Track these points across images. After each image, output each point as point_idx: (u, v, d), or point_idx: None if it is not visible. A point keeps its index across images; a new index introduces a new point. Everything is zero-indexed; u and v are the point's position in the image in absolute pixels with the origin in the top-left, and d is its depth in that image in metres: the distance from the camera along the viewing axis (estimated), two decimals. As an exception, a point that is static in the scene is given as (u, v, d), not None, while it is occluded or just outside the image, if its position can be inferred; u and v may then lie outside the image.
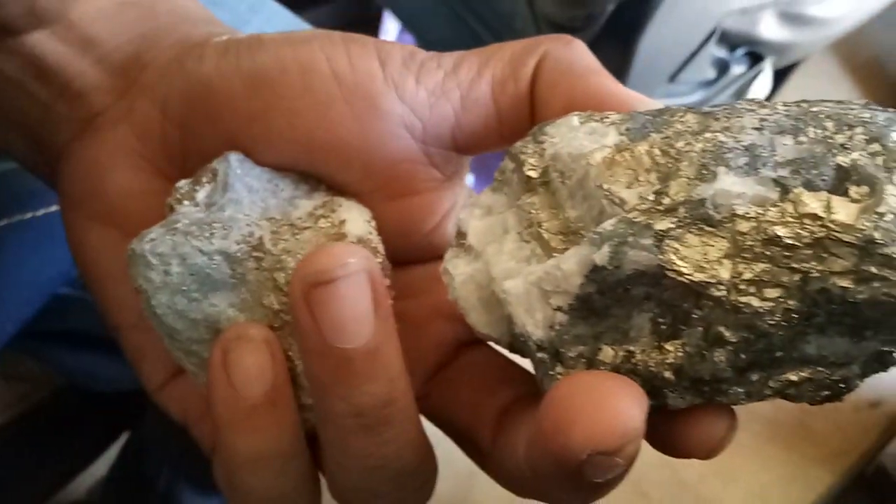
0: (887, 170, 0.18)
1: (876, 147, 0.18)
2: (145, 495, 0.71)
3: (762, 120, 0.19)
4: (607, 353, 0.20)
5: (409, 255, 0.27)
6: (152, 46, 0.26)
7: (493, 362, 0.27)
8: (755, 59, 0.93)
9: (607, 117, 0.21)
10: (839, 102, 0.20)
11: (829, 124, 0.19)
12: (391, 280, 0.26)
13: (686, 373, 0.20)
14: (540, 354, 0.21)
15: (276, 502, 0.24)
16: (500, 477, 0.24)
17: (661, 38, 0.78)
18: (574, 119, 0.21)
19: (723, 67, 0.91)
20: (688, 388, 0.20)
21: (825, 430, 1.15)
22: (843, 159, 0.18)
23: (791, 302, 0.18)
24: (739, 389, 0.20)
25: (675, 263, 0.18)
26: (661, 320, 0.20)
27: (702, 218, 0.18)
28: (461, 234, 0.23)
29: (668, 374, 0.20)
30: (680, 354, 0.20)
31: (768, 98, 1.07)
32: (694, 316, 0.19)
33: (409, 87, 0.24)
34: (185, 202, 0.24)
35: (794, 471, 1.12)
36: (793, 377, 0.20)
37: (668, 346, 0.20)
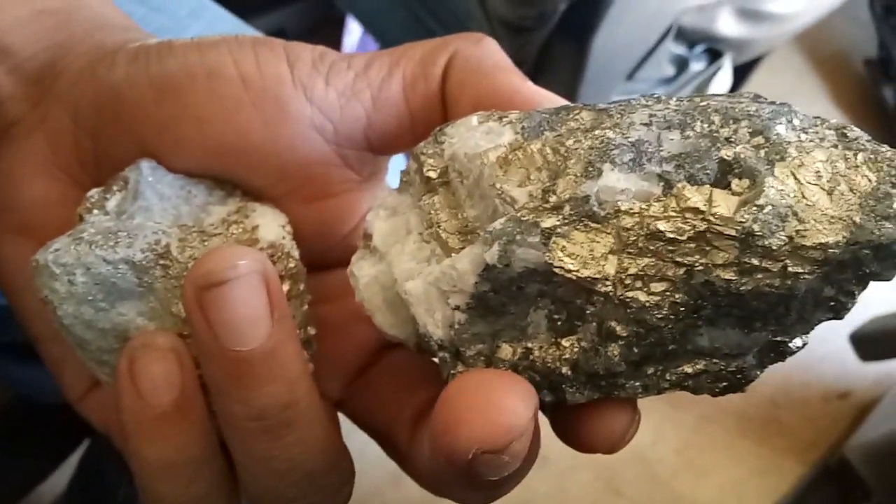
0: (769, 163, 0.18)
1: (759, 140, 0.19)
2: (107, 505, 0.70)
3: (651, 115, 0.19)
4: (506, 350, 0.20)
5: (329, 258, 0.27)
6: (67, 54, 0.26)
7: (413, 364, 0.27)
8: (714, 55, 0.94)
9: (506, 116, 0.21)
10: (730, 96, 0.20)
11: (716, 118, 0.19)
12: (308, 284, 0.26)
13: (582, 368, 0.20)
14: (442, 354, 0.21)
15: None
16: (417, 477, 0.24)
17: (615, 37, 0.78)
18: (473, 119, 0.21)
19: (682, 64, 0.91)
20: (585, 384, 0.20)
21: (796, 423, 1.16)
22: (726, 153, 0.18)
23: (678, 295, 0.18)
24: (636, 383, 0.20)
25: (561, 260, 0.18)
26: (556, 317, 0.20)
27: (587, 214, 0.18)
28: (367, 236, 0.23)
29: (565, 370, 0.20)
30: (576, 350, 0.20)
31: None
32: (587, 311, 0.19)
33: (318, 88, 0.24)
34: (95, 211, 0.24)
35: (767, 463, 1.13)
36: (688, 369, 0.20)
37: (565, 343, 0.20)
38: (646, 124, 0.19)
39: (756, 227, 0.17)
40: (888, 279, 0.19)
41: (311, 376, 0.22)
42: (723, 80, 0.96)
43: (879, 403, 1.01)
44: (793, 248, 0.18)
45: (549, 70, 0.83)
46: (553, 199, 0.19)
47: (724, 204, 0.18)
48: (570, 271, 0.18)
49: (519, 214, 0.19)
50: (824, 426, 1.15)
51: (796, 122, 0.19)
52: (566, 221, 0.18)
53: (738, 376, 0.20)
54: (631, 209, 0.18)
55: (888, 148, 0.19)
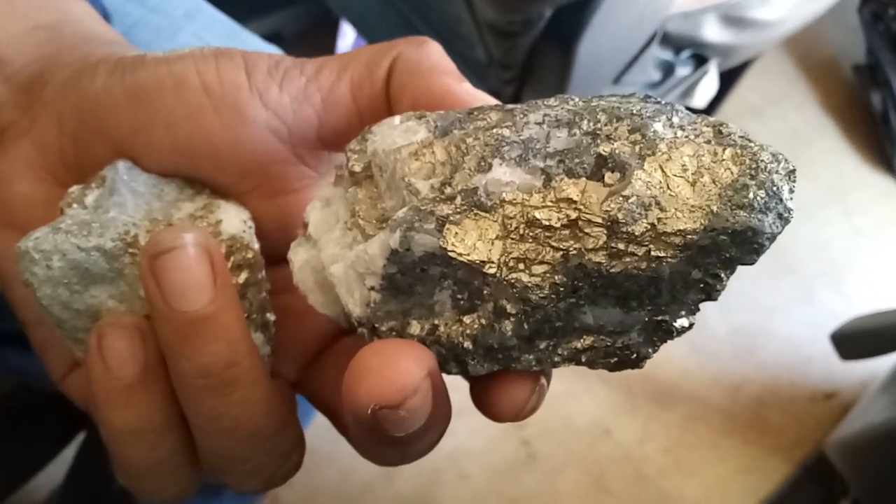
0: (640, 157, 0.20)
1: (636, 137, 0.20)
2: (104, 496, 0.72)
3: (545, 115, 0.21)
4: (415, 326, 0.22)
5: None
6: (55, 65, 0.29)
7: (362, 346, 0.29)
8: (700, 60, 0.95)
9: (425, 116, 0.23)
10: (623, 97, 0.22)
11: (603, 117, 0.21)
12: (271, 275, 0.28)
13: (481, 342, 0.22)
14: (360, 329, 0.23)
15: (151, 470, 0.26)
16: (355, 447, 0.26)
17: (601, 42, 0.80)
18: (396, 119, 0.24)
19: (668, 69, 0.93)
20: (484, 356, 0.22)
21: (782, 422, 1.18)
22: (604, 148, 0.21)
23: (557, 277, 0.21)
24: (529, 356, 0.22)
25: (454, 245, 0.21)
26: (459, 296, 0.22)
27: (476, 204, 0.21)
28: (304, 225, 0.25)
29: (467, 344, 0.22)
30: (476, 326, 0.22)
31: (716, 98, 1.09)
32: (484, 291, 0.21)
33: (272, 94, 0.27)
34: (75, 205, 0.27)
35: (752, 462, 1.14)
36: (578, 345, 0.22)
37: (467, 319, 0.22)
38: (539, 123, 0.21)
39: (620, 216, 0.20)
40: (750, 263, 0.21)
41: (253, 343, 0.25)
42: (708, 85, 0.98)
43: (859, 402, 1.02)
44: (655, 235, 0.20)
45: (536, 73, 0.86)
46: (448, 190, 0.21)
47: (595, 195, 0.20)
48: (460, 255, 0.21)
49: (419, 204, 0.21)
50: (810, 425, 1.17)
51: (676, 119, 0.21)
52: (458, 210, 0.21)
53: (627, 352, 0.22)
54: (514, 199, 0.21)
55: (758, 143, 0.21)
